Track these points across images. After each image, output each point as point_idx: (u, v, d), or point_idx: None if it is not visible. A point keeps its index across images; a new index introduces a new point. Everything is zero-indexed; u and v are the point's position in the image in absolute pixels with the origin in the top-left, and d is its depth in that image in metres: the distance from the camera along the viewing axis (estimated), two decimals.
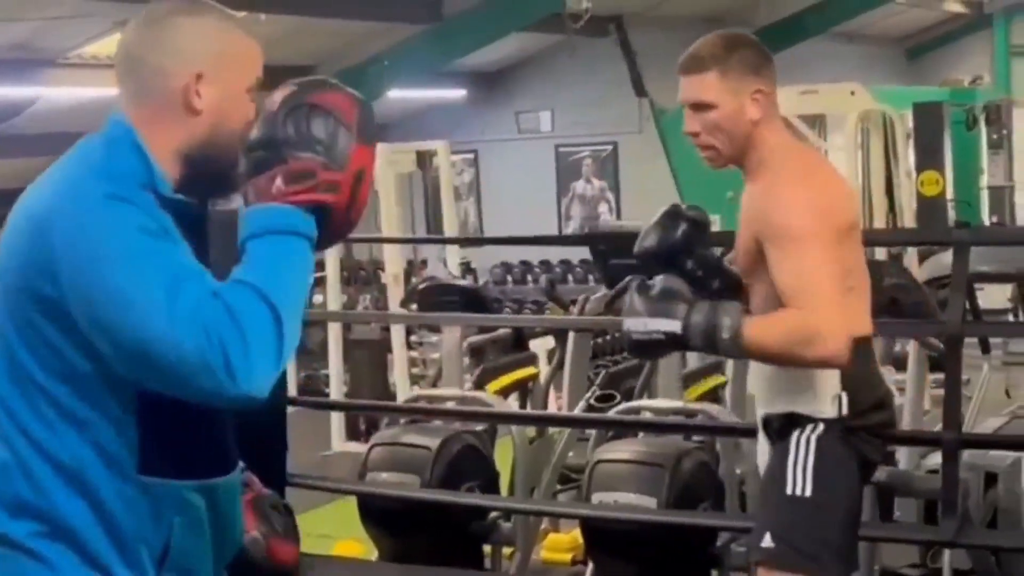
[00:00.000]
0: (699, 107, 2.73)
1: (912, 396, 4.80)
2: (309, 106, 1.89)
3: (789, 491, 2.67)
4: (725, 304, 2.61)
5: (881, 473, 4.64)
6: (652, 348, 2.65)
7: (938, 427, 4.07)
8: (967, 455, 4.12)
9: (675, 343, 2.62)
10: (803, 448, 2.69)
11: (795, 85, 10.18)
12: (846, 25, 15.74)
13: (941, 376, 4.51)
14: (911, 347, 4.99)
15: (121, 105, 1.97)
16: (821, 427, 2.70)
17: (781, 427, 2.75)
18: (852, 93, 9.58)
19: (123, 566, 1.88)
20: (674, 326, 2.58)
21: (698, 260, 2.84)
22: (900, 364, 5.44)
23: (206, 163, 1.96)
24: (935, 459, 4.28)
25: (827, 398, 2.73)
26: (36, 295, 1.82)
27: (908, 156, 10.41)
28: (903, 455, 4.77)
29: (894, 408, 2.94)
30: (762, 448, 2.87)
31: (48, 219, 1.82)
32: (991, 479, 4.38)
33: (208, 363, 1.73)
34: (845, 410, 2.73)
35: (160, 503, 1.90)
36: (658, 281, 2.64)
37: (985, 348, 5.93)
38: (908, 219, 9.47)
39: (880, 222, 9.54)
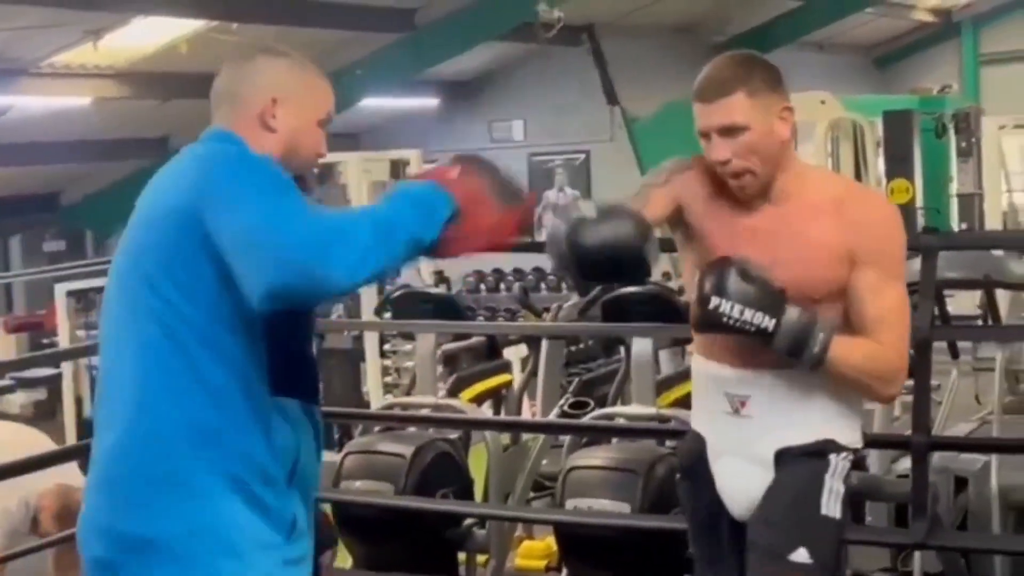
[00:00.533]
0: (730, 131, 2.60)
1: None
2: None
3: (824, 512, 2.68)
4: (821, 318, 2.57)
5: (852, 478, 4.68)
6: (731, 332, 2.58)
7: (908, 432, 4.11)
8: (937, 459, 4.16)
9: (760, 337, 2.56)
10: (838, 473, 2.70)
11: None
12: (816, 34, 15.86)
13: (911, 382, 4.55)
14: None
15: (213, 122, 2.34)
16: (849, 456, 2.73)
17: (808, 452, 2.71)
18: (822, 102, 9.66)
19: (263, 483, 2.17)
20: (768, 323, 2.54)
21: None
22: None
23: None
24: (905, 463, 4.31)
25: (855, 428, 2.76)
26: (189, 233, 2.10)
27: (878, 164, 10.50)
28: (873, 459, 4.80)
29: None
30: (750, 477, 2.76)
31: (199, 171, 2.16)
32: (961, 483, 4.42)
33: (311, 252, 2.00)
34: (860, 442, 2.77)
35: (289, 423, 2.23)
36: (754, 269, 2.56)
37: (954, 353, 5.98)
38: None
39: None
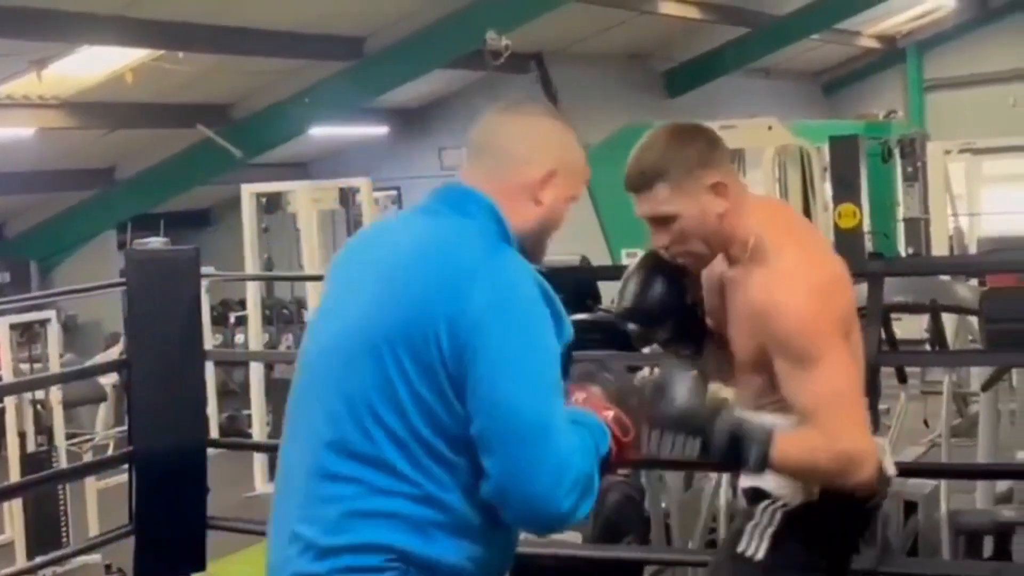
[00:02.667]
0: (661, 221, 2.57)
1: None
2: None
3: (739, 549, 2.68)
4: (753, 429, 2.47)
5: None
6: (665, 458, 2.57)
7: None
8: None
9: (703, 459, 2.53)
10: (761, 524, 2.66)
11: (713, 120, 10.31)
12: (763, 61, 15.99)
13: None
14: None
15: (466, 177, 2.21)
16: (781, 508, 2.67)
17: (750, 498, 2.71)
18: (769, 128, 9.73)
19: None
20: (692, 446, 2.46)
21: (678, 323, 2.72)
22: None
23: (523, 249, 2.16)
24: None
25: (793, 484, 2.69)
26: (433, 344, 2.00)
27: (825, 189, 10.58)
28: None
29: None
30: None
31: (459, 273, 2.03)
32: (911, 507, 4.44)
33: (566, 477, 1.99)
34: (812, 496, 2.67)
35: (494, 549, 2.13)
36: (671, 382, 2.46)
37: (902, 378, 6.01)
38: None
39: None
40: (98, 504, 6.85)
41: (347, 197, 9.41)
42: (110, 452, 7.57)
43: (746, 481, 2.69)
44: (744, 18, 14.70)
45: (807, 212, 10.07)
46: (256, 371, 8.56)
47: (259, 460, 8.32)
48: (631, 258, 4.74)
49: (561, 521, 2.02)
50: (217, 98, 11.08)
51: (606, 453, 2.14)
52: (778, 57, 16.14)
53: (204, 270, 5.37)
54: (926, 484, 4.54)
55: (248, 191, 8.84)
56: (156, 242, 9.78)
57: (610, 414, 2.20)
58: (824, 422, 2.45)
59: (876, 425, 3.89)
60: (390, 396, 2.03)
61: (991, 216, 12.55)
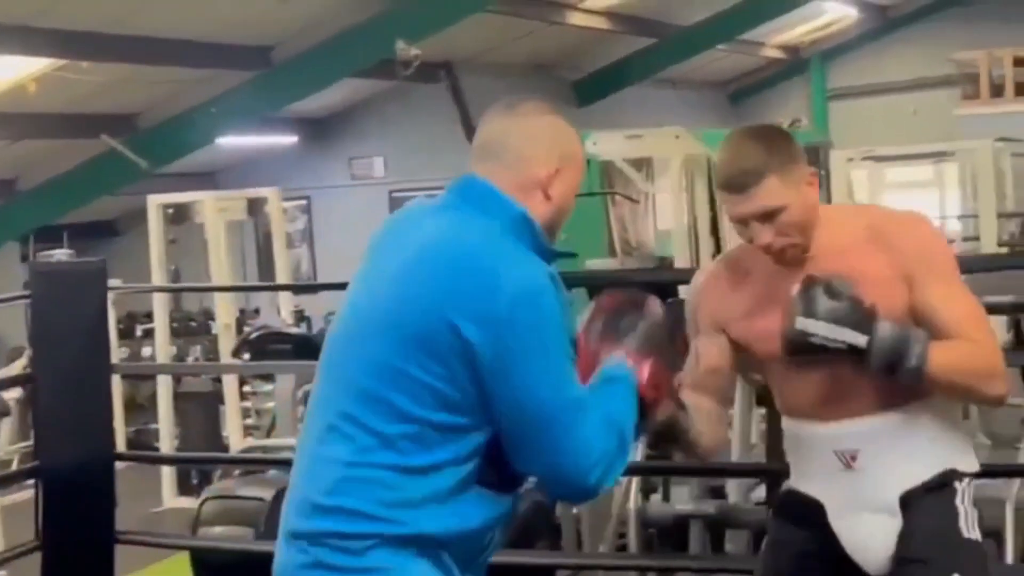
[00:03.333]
0: (768, 216, 2.59)
1: (739, 430, 4.92)
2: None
3: (966, 536, 2.63)
4: (913, 328, 2.51)
5: (710, 506, 4.76)
6: (822, 353, 2.51)
7: (764, 460, 4.18)
8: None
9: (853, 355, 2.49)
10: (967, 498, 2.66)
11: (621, 130, 10.40)
12: (670, 71, 16.16)
13: (761, 410, 4.63)
14: (737, 382, 5.12)
15: (479, 172, 2.32)
16: (969, 479, 2.69)
17: (935, 486, 2.66)
18: (677, 137, 9.82)
19: (460, 568, 2.23)
20: (860, 339, 2.47)
21: None
22: None
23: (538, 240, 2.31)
24: (763, 491, 4.40)
25: (969, 451, 2.74)
26: (449, 332, 2.14)
27: None
28: (732, 488, 4.88)
29: None
30: (879, 529, 2.66)
31: (481, 270, 2.16)
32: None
33: (587, 459, 2.18)
34: (977, 464, 2.73)
35: (489, 510, 2.25)
36: (841, 286, 2.50)
37: None
38: None
39: (706, 261, 9.76)
40: (3, 520, 6.73)
41: (256, 207, 9.34)
42: (15, 467, 7.44)
43: (935, 468, 2.64)
44: (651, 29, 14.86)
45: (715, 220, 10.19)
46: (164, 384, 8.46)
47: (167, 473, 8.23)
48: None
49: (590, 493, 2.25)
50: (123, 108, 10.94)
51: (638, 406, 2.32)
52: (685, 67, 16.33)
53: (110, 282, 5.31)
54: None
55: (154, 202, 8.74)
56: (61, 254, 9.63)
57: (639, 371, 2.35)
58: (977, 331, 2.55)
59: (779, 429, 3.96)
60: (399, 374, 2.17)
61: None
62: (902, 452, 2.63)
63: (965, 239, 11.63)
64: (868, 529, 2.65)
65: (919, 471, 2.63)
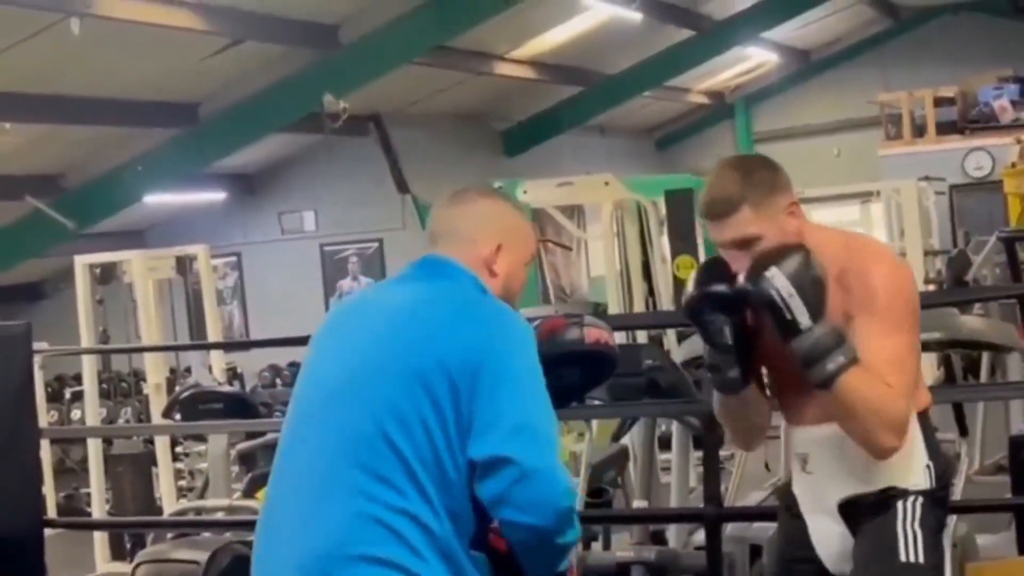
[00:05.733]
0: (744, 244, 2.67)
1: (677, 474, 4.92)
2: None
3: (903, 559, 2.65)
4: (850, 343, 2.58)
5: (650, 552, 4.74)
6: (768, 309, 2.59)
7: (702, 504, 4.17)
8: (731, 528, 4.24)
9: (785, 328, 2.58)
10: (909, 519, 2.68)
11: (552, 178, 10.45)
12: (598, 118, 16.29)
13: (699, 452, 4.62)
14: (674, 427, 5.13)
15: (445, 253, 2.52)
16: (920, 499, 2.71)
17: (876, 503, 2.71)
18: (606, 184, 9.88)
19: None
20: (805, 320, 2.55)
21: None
22: (664, 443, 5.58)
23: None
24: (702, 535, 4.39)
25: (920, 470, 2.74)
26: (442, 385, 2.29)
27: (663, 242, 10.77)
28: (671, 532, 4.87)
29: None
30: (827, 531, 2.79)
31: (458, 316, 2.36)
32: (756, 551, 4.51)
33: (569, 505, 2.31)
34: (934, 481, 2.74)
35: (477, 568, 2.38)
36: (821, 268, 2.59)
37: None
38: (666, 302, 9.78)
39: (639, 306, 9.82)
40: None
41: (184, 265, 9.24)
42: None
43: (872, 484, 2.70)
44: (578, 77, 14.98)
45: (647, 264, 10.25)
46: (94, 447, 8.30)
47: (99, 539, 8.06)
48: None
49: (563, 516, 2.30)
50: (46, 168, 10.80)
51: None
52: (612, 115, 16.47)
53: (37, 345, 5.22)
54: (769, 527, 4.62)
55: (81, 262, 8.62)
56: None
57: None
58: (889, 376, 2.58)
59: (716, 473, 3.95)
60: (400, 420, 2.30)
61: None
62: (843, 462, 2.73)
63: None
64: (821, 528, 2.80)
65: (855, 484, 2.73)
